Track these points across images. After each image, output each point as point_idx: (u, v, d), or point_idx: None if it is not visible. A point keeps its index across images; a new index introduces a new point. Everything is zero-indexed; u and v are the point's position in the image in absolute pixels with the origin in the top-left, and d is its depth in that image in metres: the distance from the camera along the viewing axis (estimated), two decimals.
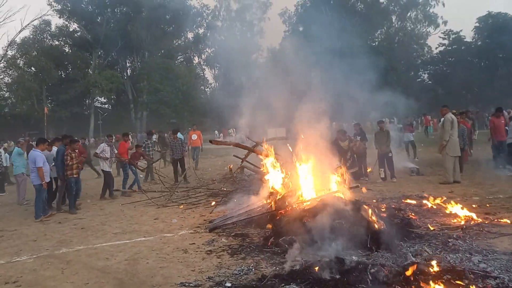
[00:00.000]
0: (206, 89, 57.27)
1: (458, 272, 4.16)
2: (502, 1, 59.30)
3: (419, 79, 56.08)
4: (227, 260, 5.34)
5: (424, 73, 57.21)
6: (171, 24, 55.02)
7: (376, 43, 52.50)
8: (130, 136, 17.41)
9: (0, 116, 47.83)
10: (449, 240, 5.44)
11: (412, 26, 56.81)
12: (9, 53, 46.02)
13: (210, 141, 9.69)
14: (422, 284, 3.97)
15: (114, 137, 13.25)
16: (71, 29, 52.83)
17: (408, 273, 4.08)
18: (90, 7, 52.19)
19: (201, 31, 59.05)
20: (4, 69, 47.01)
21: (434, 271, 4.20)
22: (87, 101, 52.59)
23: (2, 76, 47.88)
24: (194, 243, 6.25)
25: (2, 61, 45.71)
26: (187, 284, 4.61)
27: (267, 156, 7.95)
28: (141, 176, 13.25)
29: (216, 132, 36.88)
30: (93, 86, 46.65)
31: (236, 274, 4.78)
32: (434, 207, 7.45)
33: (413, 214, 6.96)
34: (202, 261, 5.37)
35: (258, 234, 6.43)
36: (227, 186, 11.17)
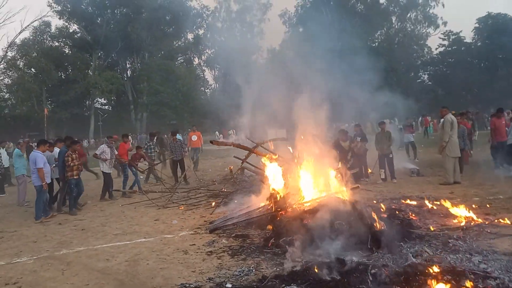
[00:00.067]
0: (206, 90, 57.29)
1: (459, 273, 4.16)
2: (502, 1, 59.33)
3: (419, 80, 56.04)
4: (227, 261, 5.34)
5: (424, 74, 57.18)
6: (171, 25, 55.05)
7: (376, 44, 52.48)
8: (130, 137, 17.43)
9: (0, 117, 47.87)
10: (450, 240, 5.44)
11: (412, 27, 56.81)
12: (9, 54, 46.14)
13: (211, 142, 9.70)
14: (422, 285, 3.97)
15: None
16: (71, 30, 52.93)
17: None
18: (90, 8, 52.23)
19: (201, 32, 59.15)
20: (4, 70, 47.09)
21: (435, 272, 4.20)
22: (87, 102, 52.61)
23: (2, 77, 48.01)
24: (194, 244, 6.25)
25: (2, 62, 45.75)
26: (187, 285, 4.61)
27: (267, 156, 7.95)
28: (141, 177, 13.25)
29: (217, 133, 36.88)
30: (93, 87, 46.66)
31: (237, 275, 4.78)
32: (435, 207, 7.45)
33: (413, 214, 6.96)
34: (203, 262, 5.37)
35: (258, 235, 6.43)
36: (227, 187, 11.17)
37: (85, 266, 5.55)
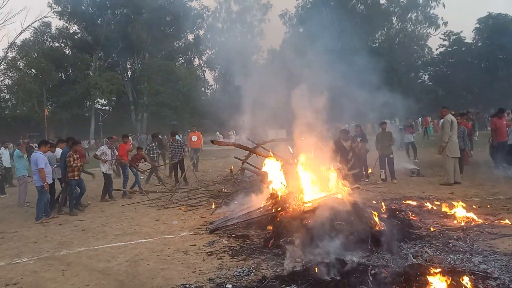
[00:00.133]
0: (206, 91, 57.28)
1: (459, 273, 4.16)
2: (502, 2, 59.37)
3: (420, 80, 56.05)
4: (227, 262, 5.35)
5: (425, 74, 57.18)
6: (171, 25, 55.06)
7: (377, 44, 52.53)
8: (130, 138, 17.41)
9: (1, 118, 47.88)
10: (450, 241, 5.44)
11: (412, 27, 56.83)
12: (10, 55, 46.11)
13: (212, 142, 9.72)
14: (422, 285, 3.97)
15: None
16: (71, 31, 52.88)
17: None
18: (90, 9, 52.27)
19: (201, 32, 59.14)
20: (5, 71, 47.06)
21: (435, 272, 4.20)
22: (88, 103, 52.53)
23: (2, 78, 47.96)
24: (194, 245, 6.25)
25: (3, 63, 45.76)
26: (187, 285, 4.62)
27: (268, 157, 7.96)
28: (142, 177, 13.25)
29: (218, 133, 36.91)
30: (93, 88, 46.64)
31: (237, 275, 4.78)
32: (435, 208, 7.45)
33: (413, 215, 6.97)
34: (203, 263, 5.38)
35: (258, 236, 6.43)
36: (227, 188, 11.18)
37: (85, 267, 5.56)
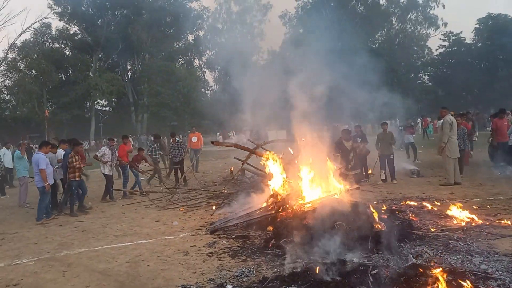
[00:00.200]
0: (206, 92, 57.28)
1: (459, 274, 4.16)
2: (502, 2, 59.40)
3: (419, 81, 56.06)
4: (228, 262, 5.35)
5: (425, 75, 57.19)
6: (171, 26, 55.09)
7: (377, 45, 52.54)
8: (130, 139, 17.42)
9: (1, 119, 47.89)
10: (450, 241, 5.44)
11: (412, 28, 56.84)
12: (10, 56, 46.14)
13: (212, 142, 9.72)
14: (423, 286, 3.97)
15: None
16: (71, 32, 52.89)
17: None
18: (90, 10, 52.29)
19: (201, 33, 59.17)
20: (5, 72, 47.11)
21: (435, 273, 4.20)
22: (88, 104, 52.55)
23: (2, 79, 48.02)
24: (195, 245, 6.25)
25: (3, 64, 45.80)
26: (188, 286, 4.62)
27: (268, 158, 7.96)
28: (142, 178, 13.25)
29: (218, 133, 36.92)
30: (93, 88, 46.67)
31: (237, 276, 4.78)
32: (435, 208, 7.45)
33: (413, 215, 6.97)
34: (203, 263, 5.38)
35: (259, 236, 6.43)
36: (228, 188, 11.18)
37: (86, 268, 5.56)
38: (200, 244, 6.29)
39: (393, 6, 55.73)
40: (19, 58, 46.93)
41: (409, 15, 56.15)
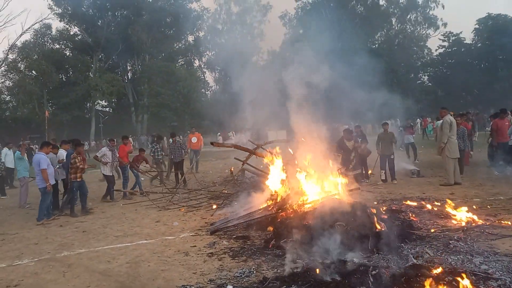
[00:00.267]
0: (206, 92, 57.33)
1: (460, 274, 4.16)
2: (502, 2, 59.41)
3: (419, 81, 56.11)
4: (228, 263, 5.35)
5: (424, 75, 57.27)
6: (171, 27, 55.14)
7: (376, 45, 52.58)
8: (130, 139, 17.41)
9: (1, 119, 47.93)
10: (450, 241, 5.44)
11: (412, 28, 56.92)
12: (10, 56, 46.21)
13: (212, 143, 9.72)
14: (423, 286, 3.97)
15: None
16: (71, 33, 52.98)
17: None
18: (90, 11, 52.35)
19: (201, 34, 59.21)
20: (5, 72, 47.17)
21: (436, 273, 4.20)
22: (88, 105, 52.63)
23: (3, 80, 48.10)
24: (195, 246, 6.25)
25: (3, 64, 45.86)
26: (188, 286, 4.62)
27: (268, 158, 7.96)
28: (142, 179, 13.25)
29: (219, 134, 36.92)
30: (94, 89, 46.73)
31: (238, 276, 4.78)
32: (435, 209, 7.45)
33: (414, 216, 6.97)
34: (204, 264, 5.38)
35: (259, 237, 6.43)
36: (228, 189, 11.18)
37: (86, 268, 5.56)
38: (200, 245, 6.29)
39: (392, 6, 55.82)
40: (19, 59, 47.01)
41: (408, 16, 56.23)
